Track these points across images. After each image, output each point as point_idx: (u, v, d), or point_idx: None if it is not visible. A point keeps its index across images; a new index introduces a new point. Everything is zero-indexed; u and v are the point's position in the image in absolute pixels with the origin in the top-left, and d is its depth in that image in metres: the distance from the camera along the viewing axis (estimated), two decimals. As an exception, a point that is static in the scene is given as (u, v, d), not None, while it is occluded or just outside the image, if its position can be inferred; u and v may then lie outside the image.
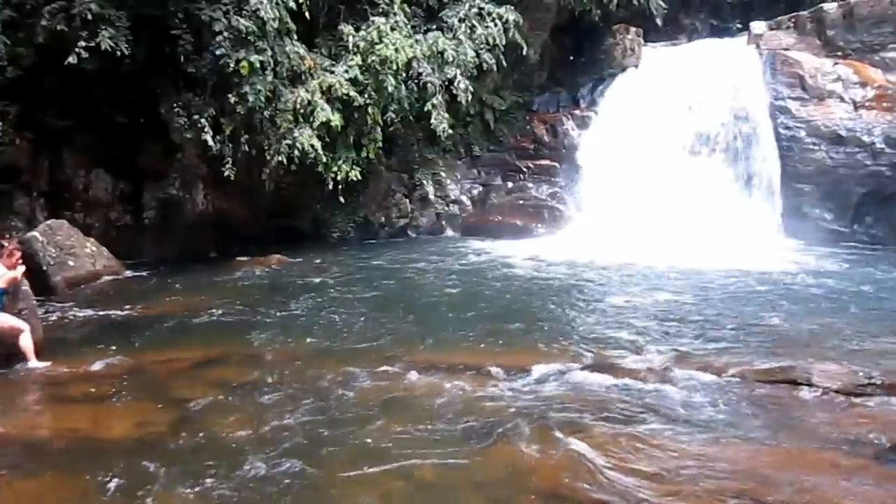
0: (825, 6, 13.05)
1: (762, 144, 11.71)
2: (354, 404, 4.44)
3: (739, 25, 15.54)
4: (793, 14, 13.30)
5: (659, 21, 14.05)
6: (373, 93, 10.27)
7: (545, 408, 4.27)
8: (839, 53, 12.42)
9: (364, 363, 5.19)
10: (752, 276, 8.43)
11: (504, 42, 11.45)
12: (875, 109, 11.32)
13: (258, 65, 9.10)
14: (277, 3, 9.21)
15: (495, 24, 11.41)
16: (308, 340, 5.99)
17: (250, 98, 9.16)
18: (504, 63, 11.62)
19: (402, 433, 3.98)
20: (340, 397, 4.54)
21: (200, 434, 4.03)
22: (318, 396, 4.54)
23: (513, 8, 11.56)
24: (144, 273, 9.19)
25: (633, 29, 13.44)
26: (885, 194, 10.91)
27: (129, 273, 9.11)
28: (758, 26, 13.11)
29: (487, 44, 11.35)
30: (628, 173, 11.81)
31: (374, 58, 10.14)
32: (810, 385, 4.58)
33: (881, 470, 3.54)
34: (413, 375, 4.91)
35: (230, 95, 9.18)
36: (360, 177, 10.35)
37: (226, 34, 8.95)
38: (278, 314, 6.89)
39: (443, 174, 12.79)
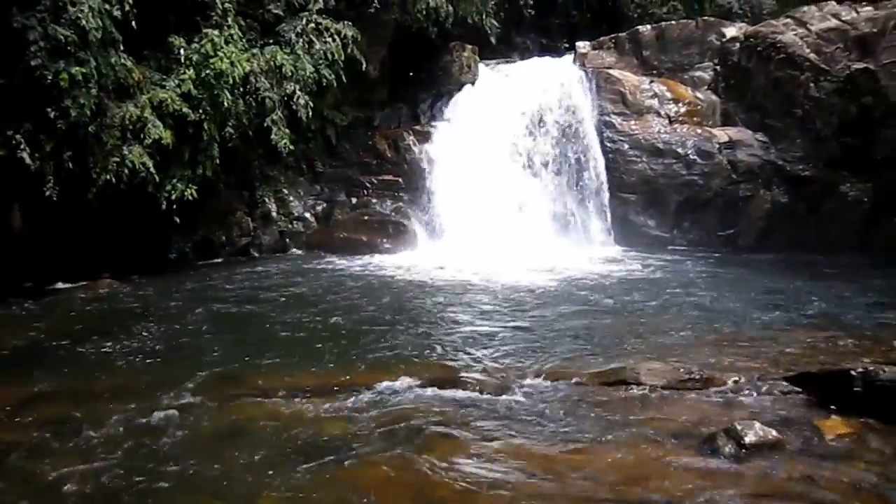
0: (641, 28, 14.21)
1: (592, 157, 12.46)
2: (192, 437, 4.23)
3: (567, 45, 16.49)
4: (613, 35, 14.32)
5: (493, 39, 14.62)
6: (208, 108, 9.90)
7: (392, 426, 4.29)
8: (654, 72, 13.54)
9: (202, 392, 4.96)
10: (583, 283, 8.95)
11: (343, 58, 11.42)
12: (687, 124, 12.40)
13: (80, 77, 8.51)
14: (101, 12, 8.67)
15: (333, 40, 11.36)
16: (140, 372, 5.64)
17: (72, 113, 8.54)
18: (344, 79, 11.59)
19: (246, 464, 3.84)
20: (177, 431, 4.31)
21: (22, 482, 3.70)
22: (152, 432, 4.29)
23: (350, 24, 11.57)
24: (-49, 305, 8.32)
25: (468, 46, 13.87)
26: (699, 201, 11.97)
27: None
28: (582, 46, 13.98)
29: (326, 59, 11.27)
30: (469, 188, 12.18)
31: (208, 71, 9.79)
32: (639, 384, 4.92)
33: (702, 457, 3.85)
34: (255, 401, 4.76)
35: (49, 109, 8.53)
36: (195, 195, 9.94)
37: (42, 44, 8.31)
38: (107, 344, 6.41)
39: (285, 191, 12.56)
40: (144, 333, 6.82)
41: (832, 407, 4.43)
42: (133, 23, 9.11)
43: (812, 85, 11.68)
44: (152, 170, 9.28)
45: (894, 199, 11.14)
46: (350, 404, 4.69)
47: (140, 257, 10.62)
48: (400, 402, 4.75)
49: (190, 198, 9.87)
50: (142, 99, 9.33)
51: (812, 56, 11.77)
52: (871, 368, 4.47)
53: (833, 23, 11.96)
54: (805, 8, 12.82)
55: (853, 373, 4.46)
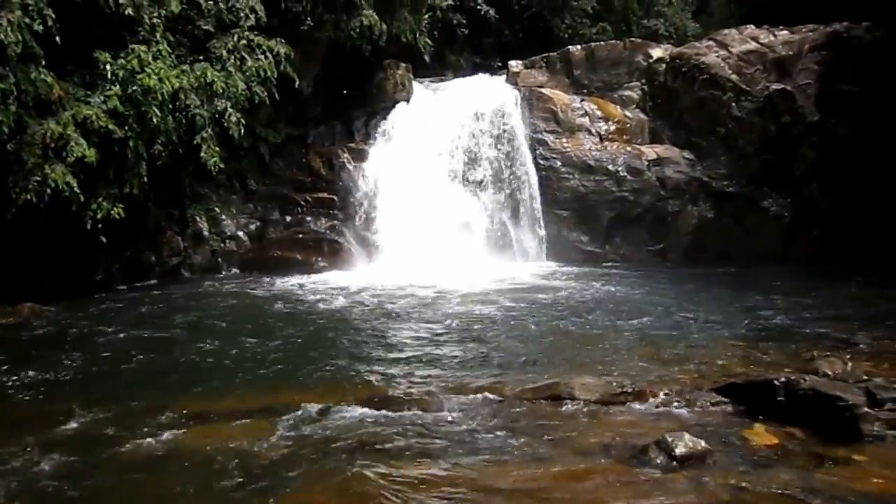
0: (571, 48, 14.54)
1: (525, 174, 12.63)
2: (110, 470, 4.04)
3: (499, 63, 16.73)
4: (545, 54, 14.60)
5: (427, 57, 14.73)
6: (135, 125, 9.63)
7: (326, 448, 4.23)
8: (585, 90, 13.87)
9: (121, 421, 4.78)
10: (516, 300, 9.03)
11: (276, 75, 11.30)
12: (617, 141, 12.72)
13: (-2, 93, 8.22)
14: (20, 26, 8.37)
15: (266, 57, 11.23)
16: (64, 400, 5.34)
17: (-10, 130, 8.23)
18: (277, 96, 11.46)
19: (171, 496, 3.71)
20: (93, 465, 4.10)
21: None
22: (77, 461, 4.10)
23: (283, 41, 11.46)
24: None
25: (402, 64, 13.92)
26: (630, 217, 12.26)
27: None
28: (515, 65, 14.22)
29: (259, 76, 11.13)
30: (405, 205, 12.17)
31: (135, 88, 9.52)
32: (573, 399, 4.99)
33: (636, 470, 3.92)
34: (184, 427, 4.61)
35: (-36, 127, 8.19)
36: (122, 215, 9.64)
37: (-43, 59, 8.00)
38: (20, 374, 6.04)
39: (217, 209, 12.30)
40: (64, 361, 6.46)
41: (758, 416, 4.58)
42: (57, 37, 8.84)
43: (734, 104, 12.16)
44: (76, 189, 8.95)
45: (811, 214, 11.65)
46: (282, 428, 4.59)
47: (65, 280, 10.21)
48: (333, 423, 4.68)
49: (117, 217, 9.55)
50: (64, 115, 9.02)
51: (733, 77, 12.25)
52: (793, 378, 4.66)
53: (752, 45, 12.48)
54: (726, 31, 13.38)
55: (776, 383, 4.63)
